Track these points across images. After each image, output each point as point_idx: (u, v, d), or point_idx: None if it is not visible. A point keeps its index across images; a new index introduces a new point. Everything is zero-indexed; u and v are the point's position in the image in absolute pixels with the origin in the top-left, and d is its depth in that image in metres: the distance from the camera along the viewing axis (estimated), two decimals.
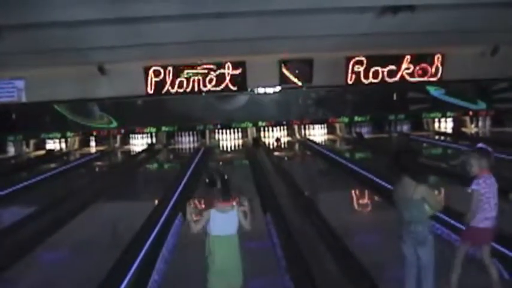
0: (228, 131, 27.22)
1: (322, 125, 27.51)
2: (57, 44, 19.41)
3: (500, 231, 8.09)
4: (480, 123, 27.71)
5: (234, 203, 5.59)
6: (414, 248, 6.02)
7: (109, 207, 13.31)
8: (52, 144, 27.02)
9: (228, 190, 5.56)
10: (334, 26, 19.34)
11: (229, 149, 25.17)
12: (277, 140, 26.52)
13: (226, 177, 5.62)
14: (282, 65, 25.43)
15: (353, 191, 13.60)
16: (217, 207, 5.57)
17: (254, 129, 26.81)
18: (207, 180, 5.63)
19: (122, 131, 26.38)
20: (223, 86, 25.46)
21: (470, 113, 26.99)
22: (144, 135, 27.13)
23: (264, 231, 9.40)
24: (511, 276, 6.70)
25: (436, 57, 25.73)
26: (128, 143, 27.24)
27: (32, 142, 26.82)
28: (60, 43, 19.34)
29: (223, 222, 5.53)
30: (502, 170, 15.61)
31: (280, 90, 25.79)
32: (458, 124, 27.43)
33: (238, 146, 25.70)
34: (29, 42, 19.00)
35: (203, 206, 5.63)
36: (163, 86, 25.25)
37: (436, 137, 25.24)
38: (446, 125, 27.74)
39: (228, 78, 25.43)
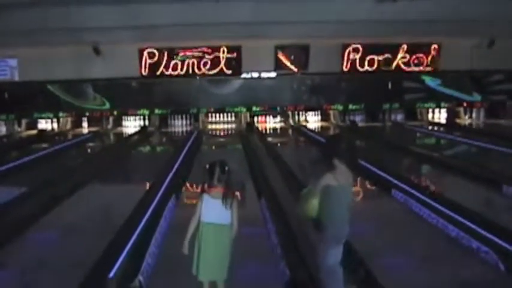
0: (221, 115, 27.15)
1: (316, 112, 27.49)
2: (51, 24, 19.23)
3: (496, 224, 8.13)
4: (474, 115, 27.72)
5: (222, 191, 5.50)
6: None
7: (101, 189, 13.20)
8: (44, 124, 26.84)
9: (220, 177, 5.49)
10: (332, 12, 19.27)
11: (222, 134, 25.09)
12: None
13: (227, 167, 5.54)
14: (278, 50, 25.31)
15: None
16: (209, 193, 5.51)
17: (248, 114, 26.74)
18: (207, 166, 5.58)
19: (115, 112, 26.23)
20: (217, 69, 25.31)
21: (465, 104, 27.01)
22: (137, 118, 26.99)
23: (258, 216, 9.35)
24: (507, 269, 6.64)
25: (432, 47, 25.67)
26: (120, 125, 27.09)
27: (23, 122, 26.63)
28: (54, 22, 19.15)
29: (215, 208, 5.46)
30: (494, 162, 15.76)
31: (275, 76, 25.69)
32: (452, 115, 27.44)
33: (232, 130, 25.59)
34: (23, 21, 18.82)
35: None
36: (158, 68, 25.09)
37: (430, 127, 25.23)
38: (440, 115, 27.72)
39: (223, 62, 25.28)
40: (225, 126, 26.76)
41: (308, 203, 5.46)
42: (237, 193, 5.75)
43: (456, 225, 8.29)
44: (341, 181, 5.43)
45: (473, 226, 8.12)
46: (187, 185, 12.57)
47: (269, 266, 7.06)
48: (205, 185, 5.61)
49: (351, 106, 26.44)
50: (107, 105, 25.77)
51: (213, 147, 20.96)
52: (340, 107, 26.56)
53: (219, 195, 5.46)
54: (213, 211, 5.44)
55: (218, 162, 5.56)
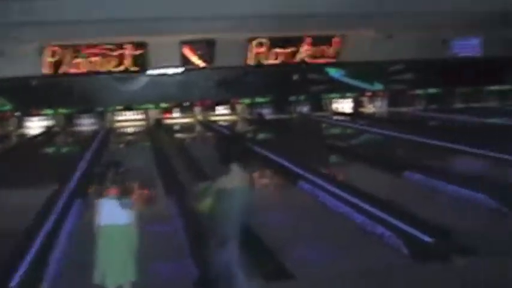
0: (129, 113, 26.76)
1: (224, 106, 27.57)
2: None
3: (398, 209, 8.43)
4: (377, 104, 28.50)
5: (118, 191, 5.42)
6: None
7: (3, 193, 12.75)
8: None
9: (114, 178, 5.41)
10: (236, 7, 19.32)
11: (130, 131, 24.75)
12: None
13: (121, 168, 5.46)
14: (184, 46, 25.18)
15: (256, 171, 13.66)
16: (106, 196, 5.42)
17: (156, 111, 26.48)
18: (101, 170, 5.50)
19: (17, 113, 25.36)
20: (123, 67, 24.93)
21: (368, 93, 27.77)
22: (41, 118, 26.18)
23: (167, 214, 9.31)
24: (410, 252, 6.87)
25: (335, 40, 26.20)
26: (24, 126, 26.19)
27: None
28: None
29: (113, 209, 5.36)
30: (397, 149, 16.34)
31: (182, 71, 25.57)
32: (356, 105, 28.15)
33: (140, 127, 25.28)
34: None
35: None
36: (61, 67, 24.43)
37: (335, 118, 25.78)
38: (344, 105, 28.33)
39: (128, 59, 24.91)
40: (133, 123, 26.38)
41: (205, 199, 5.51)
42: (138, 192, 5.66)
43: (361, 212, 8.53)
44: (233, 184, 5.47)
45: (377, 212, 8.38)
46: (94, 186, 12.35)
47: (178, 264, 7.04)
48: (103, 187, 5.51)
49: (258, 99, 26.66)
50: (8, 106, 24.88)
51: (121, 146, 20.67)
52: (248, 101, 26.73)
53: (115, 196, 5.37)
54: (111, 212, 5.35)
55: (111, 163, 5.49)
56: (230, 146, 5.71)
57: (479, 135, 16.70)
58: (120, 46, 24.74)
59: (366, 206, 8.76)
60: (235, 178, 5.50)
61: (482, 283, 5.97)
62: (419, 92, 27.97)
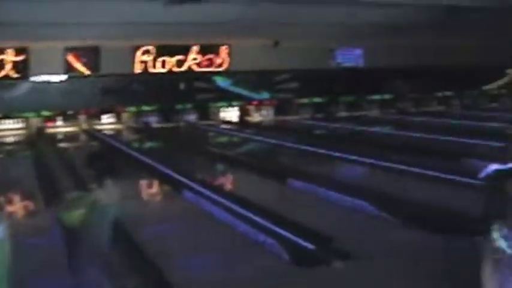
0: (8, 121, 25.62)
1: (110, 115, 27.02)
2: None
3: (281, 216, 8.57)
4: (264, 113, 28.89)
5: None
6: None
7: None
8: None
9: None
10: (121, 14, 19.06)
11: (10, 141, 23.76)
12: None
13: None
14: (68, 52, 24.53)
15: (141, 181, 13.51)
16: None
17: (38, 119, 25.57)
18: None
19: None
20: (3, 73, 23.93)
21: (255, 102, 28.14)
22: None
23: (46, 226, 9.01)
24: (291, 259, 6.98)
25: (223, 48, 26.39)
26: None
27: None
28: None
29: None
30: (282, 156, 16.66)
31: (66, 79, 24.90)
32: (243, 113, 28.43)
33: (21, 137, 24.32)
34: None
35: None
36: None
37: (222, 126, 25.97)
38: (231, 114, 28.53)
39: (8, 65, 23.95)
40: (13, 132, 25.26)
41: (74, 211, 5.30)
42: (16, 204, 5.41)
43: (245, 220, 8.60)
44: (105, 198, 5.32)
45: (260, 220, 8.47)
46: None
47: (58, 278, 6.81)
48: None
49: (144, 107, 26.40)
50: None
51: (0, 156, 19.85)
52: (134, 109, 26.41)
53: None
54: None
55: None
56: (99, 160, 5.53)
57: (361, 144, 17.31)
58: (1, 51, 23.74)
59: (250, 215, 8.83)
60: (107, 192, 5.34)
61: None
62: (305, 100, 28.68)
